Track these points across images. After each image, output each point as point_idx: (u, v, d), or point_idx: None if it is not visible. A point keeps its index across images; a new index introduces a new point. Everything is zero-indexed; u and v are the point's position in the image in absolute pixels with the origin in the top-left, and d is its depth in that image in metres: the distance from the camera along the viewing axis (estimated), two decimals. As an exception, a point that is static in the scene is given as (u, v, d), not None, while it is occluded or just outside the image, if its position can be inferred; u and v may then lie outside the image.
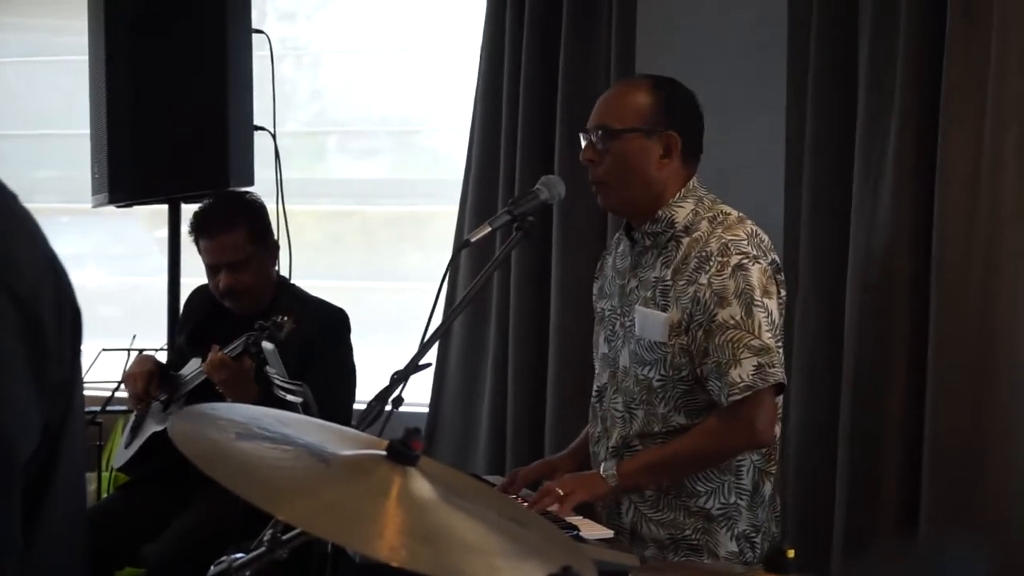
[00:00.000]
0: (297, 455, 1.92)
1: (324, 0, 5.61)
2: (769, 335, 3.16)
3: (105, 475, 4.78)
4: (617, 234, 3.53)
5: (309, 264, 4.58)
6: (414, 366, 2.86)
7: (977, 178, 3.79)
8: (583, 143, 3.37)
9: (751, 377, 3.14)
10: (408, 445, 1.90)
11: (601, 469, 3.31)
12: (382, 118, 5.62)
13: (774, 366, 3.16)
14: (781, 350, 3.21)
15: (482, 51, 4.79)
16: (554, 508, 3.17)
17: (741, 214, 3.33)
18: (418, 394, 4.63)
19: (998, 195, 3.76)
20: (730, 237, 3.23)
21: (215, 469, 1.80)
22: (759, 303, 3.17)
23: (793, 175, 4.23)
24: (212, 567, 2.08)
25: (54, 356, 1.76)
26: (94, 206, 4.59)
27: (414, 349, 2.93)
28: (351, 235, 5.79)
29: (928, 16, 3.92)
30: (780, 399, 3.30)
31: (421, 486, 1.87)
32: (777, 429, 3.30)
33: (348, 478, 1.88)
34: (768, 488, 3.30)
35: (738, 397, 3.15)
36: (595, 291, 3.60)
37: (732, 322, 3.16)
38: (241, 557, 2.06)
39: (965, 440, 3.78)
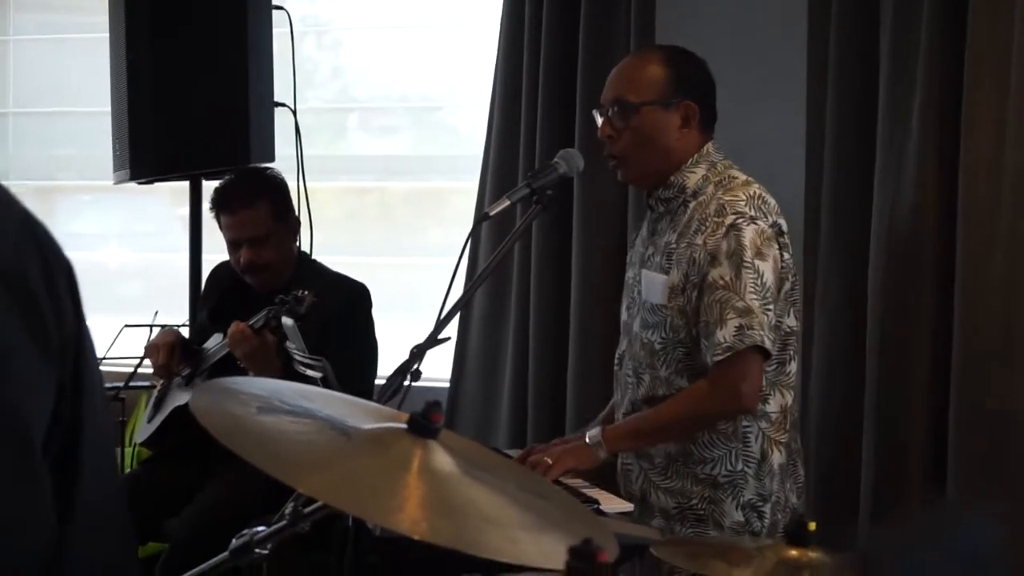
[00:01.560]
0: (318, 429, 1.92)
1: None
2: (755, 297, 3.13)
3: (128, 450, 4.79)
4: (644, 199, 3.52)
5: (329, 240, 4.58)
6: (433, 340, 2.86)
7: (1002, 148, 3.76)
8: (599, 119, 3.34)
9: (732, 338, 3.11)
10: (428, 418, 1.89)
11: (587, 437, 3.28)
12: (402, 95, 5.60)
13: (754, 328, 3.11)
14: (771, 313, 3.17)
15: (501, 27, 4.77)
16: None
17: (750, 178, 3.30)
18: (439, 369, 4.63)
19: (1022, 167, 3.74)
20: (728, 198, 3.21)
21: (236, 443, 1.80)
22: (748, 264, 3.14)
23: (815, 150, 4.21)
24: (234, 540, 2.08)
25: (51, 317, 1.75)
26: (115, 183, 4.58)
27: (434, 324, 2.93)
28: (371, 211, 5.77)
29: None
30: (799, 369, 3.30)
31: (442, 459, 1.87)
32: (789, 397, 3.28)
33: (369, 451, 1.88)
34: (777, 457, 3.26)
35: (720, 358, 3.13)
36: (628, 261, 3.58)
37: (721, 282, 3.14)
38: (263, 530, 2.06)
39: (991, 412, 3.76)
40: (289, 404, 1.99)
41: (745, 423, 3.22)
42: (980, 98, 3.82)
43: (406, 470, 1.82)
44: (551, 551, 1.79)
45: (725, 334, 3.12)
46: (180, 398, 4.26)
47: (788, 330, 3.25)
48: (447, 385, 4.87)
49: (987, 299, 3.79)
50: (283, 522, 2.04)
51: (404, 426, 1.90)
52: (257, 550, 2.07)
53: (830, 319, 4.14)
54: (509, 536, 1.81)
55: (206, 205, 4.39)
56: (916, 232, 3.96)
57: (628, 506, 3.24)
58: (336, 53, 5.65)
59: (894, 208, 3.99)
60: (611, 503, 3.19)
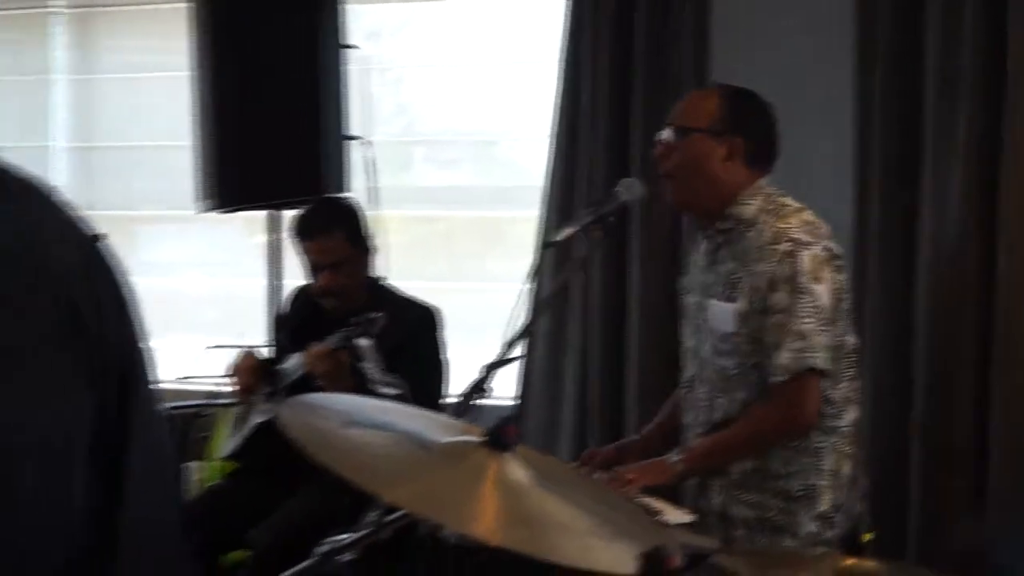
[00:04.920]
0: (399, 442, 1.94)
1: (407, 19, 5.63)
2: (811, 320, 3.15)
3: (212, 464, 4.82)
4: (699, 233, 3.53)
5: (396, 266, 4.60)
6: (504, 358, 2.88)
7: None
8: (658, 139, 3.38)
9: (790, 360, 3.14)
10: (505, 432, 1.91)
11: (669, 457, 3.33)
12: (463, 130, 5.64)
13: (810, 350, 3.14)
14: (826, 334, 3.17)
15: (561, 64, 4.80)
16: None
17: (801, 205, 3.31)
18: (504, 388, 4.65)
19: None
20: (782, 226, 3.22)
21: (323, 455, 1.82)
22: (804, 288, 3.15)
23: (863, 175, 4.21)
24: (319, 547, 2.10)
25: (96, 340, 1.76)
26: (197, 212, 4.63)
27: (496, 347, 2.95)
28: (435, 239, 5.81)
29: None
30: (858, 383, 3.30)
31: (516, 471, 1.89)
32: (857, 411, 3.29)
33: (447, 463, 1.90)
34: (847, 469, 3.27)
35: (779, 380, 3.16)
36: (681, 286, 3.60)
37: (779, 307, 3.16)
38: (347, 538, 2.08)
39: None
40: (371, 419, 2.02)
41: (818, 439, 3.23)
42: (1021, 122, 3.82)
43: (483, 481, 1.84)
44: (621, 558, 1.80)
45: (783, 357, 3.14)
46: (262, 416, 4.30)
47: (851, 348, 3.27)
48: (512, 403, 4.89)
49: None
50: (367, 530, 2.07)
51: (480, 440, 1.92)
52: (341, 557, 2.09)
53: (879, 335, 4.13)
54: (582, 543, 1.82)
55: (283, 233, 4.45)
56: (960, 251, 3.96)
57: (689, 517, 3.25)
58: (398, 89, 5.68)
59: (939, 228, 3.99)
60: (672, 515, 3.21)
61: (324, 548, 2.09)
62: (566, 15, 4.80)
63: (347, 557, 2.08)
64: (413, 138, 5.74)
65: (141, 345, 1.81)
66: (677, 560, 1.65)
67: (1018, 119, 3.84)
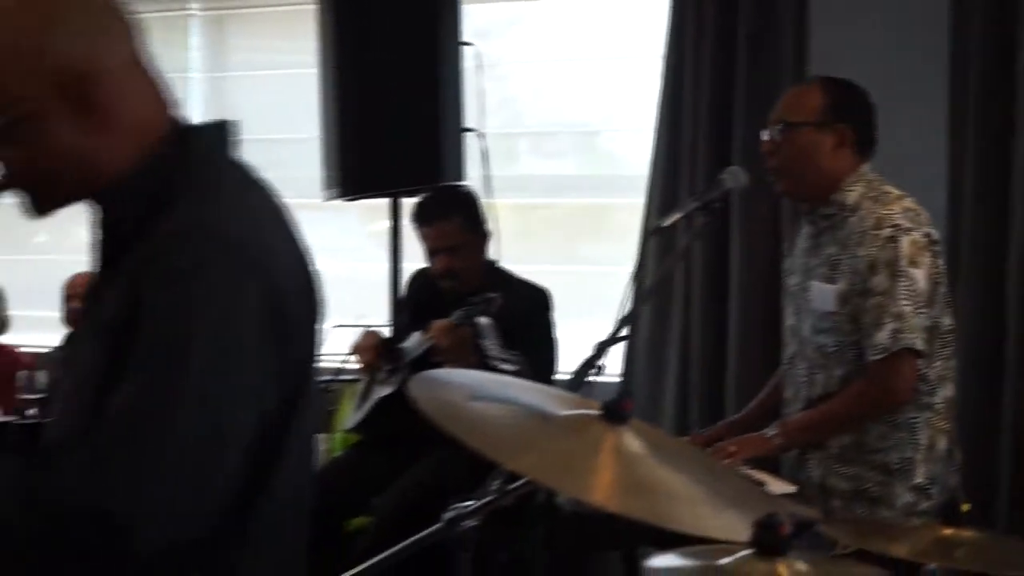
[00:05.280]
0: (521, 414, 1.95)
1: (515, 17, 5.65)
2: (908, 302, 3.14)
3: (336, 436, 4.89)
4: (802, 218, 3.51)
5: (505, 251, 4.62)
6: (615, 336, 2.89)
7: None
8: (764, 136, 3.36)
9: (887, 340, 3.13)
10: (621, 406, 1.91)
11: (768, 430, 3.34)
12: (566, 122, 5.64)
13: (907, 331, 3.13)
14: (923, 315, 3.16)
15: (665, 58, 4.79)
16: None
17: (903, 192, 3.29)
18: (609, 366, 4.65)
19: None
20: (885, 212, 3.21)
21: (451, 425, 1.83)
22: (903, 272, 3.15)
23: (956, 166, 4.16)
24: (445, 512, 2.12)
25: (294, 342, 1.81)
26: (324, 200, 4.69)
27: (600, 327, 2.96)
28: (540, 225, 5.82)
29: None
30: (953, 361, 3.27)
31: (632, 442, 1.89)
32: (951, 389, 3.26)
33: (567, 434, 1.90)
34: (943, 443, 3.25)
35: (877, 358, 3.15)
36: (784, 268, 3.58)
37: (879, 289, 3.15)
38: (471, 504, 2.10)
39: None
40: (494, 393, 2.03)
41: (913, 414, 3.21)
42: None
43: (600, 451, 1.84)
44: (731, 525, 1.81)
45: (881, 336, 3.13)
46: (384, 390, 4.34)
47: (947, 328, 3.24)
48: (617, 380, 4.88)
49: None
50: (489, 497, 2.09)
51: (598, 412, 1.93)
52: (465, 522, 2.11)
53: (972, 319, 4.08)
54: (694, 511, 1.82)
55: (404, 220, 4.49)
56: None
57: (790, 488, 3.25)
58: (504, 84, 5.69)
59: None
60: (775, 485, 3.21)
61: (449, 514, 2.11)
62: (670, 11, 4.78)
63: (471, 523, 2.10)
64: (518, 130, 5.75)
65: (318, 346, 1.87)
66: (788, 528, 1.65)
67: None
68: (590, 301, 5.07)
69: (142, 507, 1.64)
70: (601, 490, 1.79)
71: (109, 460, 1.64)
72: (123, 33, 1.81)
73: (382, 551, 2.20)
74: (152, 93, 1.85)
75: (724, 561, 1.74)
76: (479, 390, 2.03)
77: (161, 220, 1.74)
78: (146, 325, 1.66)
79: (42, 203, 1.83)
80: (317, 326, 1.89)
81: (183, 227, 1.72)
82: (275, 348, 1.76)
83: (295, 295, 1.82)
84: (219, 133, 1.91)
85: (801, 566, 1.68)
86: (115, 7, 1.82)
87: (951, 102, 4.22)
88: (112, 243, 1.84)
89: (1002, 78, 4.08)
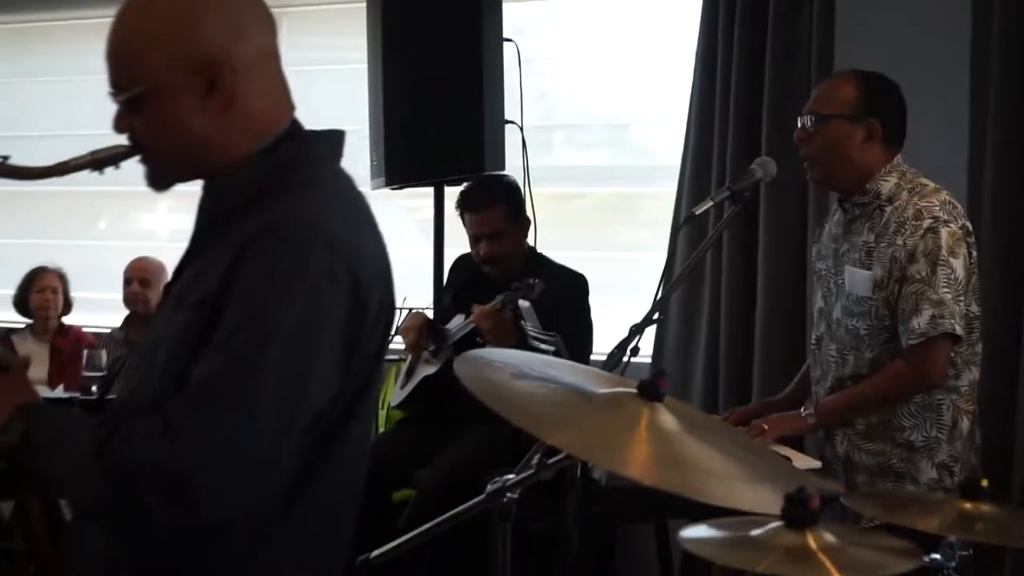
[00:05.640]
0: (562, 392, 1.94)
1: (551, 16, 5.63)
2: (947, 290, 3.11)
3: (382, 413, 4.89)
4: (834, 205, 3.48)
5: (543, 238, 4.62)
6: (649, 319, 2.88)
7: None
8: (799, 125, 3.33)
9: (926, 325, 3.10)
10: (656, 384, 1.91)
11: (803, 409, 3.32)
12: (598, 115, 5.62)
13: (946, 317, 3.10)
14: (961, 303, 3.13)
15: (697, 54, 4.77)
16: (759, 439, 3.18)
17: (939, 186, 3.26)
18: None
19: None
20: (924, 204, 3.18)
21: (495, 403, 1.83)
22: (943, 261, 3.12)
23: (976, 159, 4.12)
24: (489, 485, 2.11)
25: (364, 346, 1.83)
26: (372, 189, 4.69)
27: (634, 310, 2.95)
28: (575, 214, 5.81)
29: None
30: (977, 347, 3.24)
31: (666, 419, 1.88)
32: (976, 373, 3.24)
33: (605, 411, 1.90)
34: (966, 424, 3.22)
35: (915, 342, 3.12)
36: (814, 253, 3.56)
37: (918, 277, 3.12)
38: (513, 477, 2.09)
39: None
40: (536, 371, 2.02)
41: (939, 396, 3.19)
42: None
43: (636, 427, 1.84)
44: (763, 499, 1.80)
45: (920, 322, 3.11)
46: (428, 369, 4.35)
47: (974, 315, 3.22)
48: (648, 361, 4.87)
49: None
50: (531, 470, 2.08)
51: (634, 391, 1.92)
52: (508, 495, 2.11)
53: (993, 308, 4.04)
54: (727, 486, 1.81)
55: (448, 208, 4.48)
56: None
57: (816, 463, 3.24)
58: (542, 81, 5.68)
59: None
60: (800, 461, 3.20)
61: (492, 486, 2.11)
62: (702, 9, 4.76)
63: (513, 495, 2.10)
64: (553, 123, 5.73)
65: (385, 352, 1.91)
66: (817, 502, 1.63)
67: None
68: (624, 286, 5.06)
69: (217, 480, 1.66)
70: (637, 464, 1.78)
71: (193, 431, 1.66)
72: (260, 30, 1.88)
73: (425, 522, 2.21)
74: (278, 91, 1.92)
75: (755, 532, 1.72)
76: (521, 369, 2.02)
77: (265, 209, 1.79)
78: (239, 304, 1.71)
79: (160, 176, 1.90)
80: (391, 320, 1.92)
81: (285, 217, 1.77)
82: (352, 345, 1.80)
83: (378, 292, 1.86)
84: (330, 141, 1.97)
85: (830, 537, 1.67)
86: (257, 4, 1.89)
87: (972, 100, 4.18)
88: (213, 224, 1.88)
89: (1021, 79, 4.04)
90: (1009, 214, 4.07)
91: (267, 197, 1.81)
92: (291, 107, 1.95)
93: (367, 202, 1.97)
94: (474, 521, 2.17)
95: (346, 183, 1.96)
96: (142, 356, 1.88)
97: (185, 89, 1.81)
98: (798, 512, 1.63)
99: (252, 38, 1.86)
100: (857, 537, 1.83)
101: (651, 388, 1.90)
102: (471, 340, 4.05)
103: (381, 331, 1.89)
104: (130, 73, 1.82)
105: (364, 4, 4.68)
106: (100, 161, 1.88)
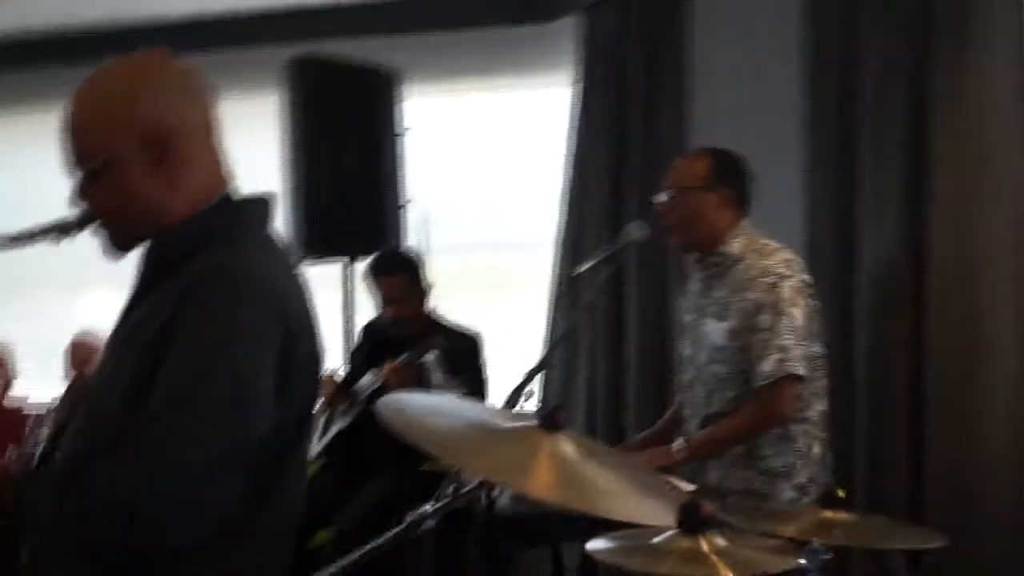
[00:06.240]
0: (470, 426, 1.92)
1: (444, 111, 5.63)
2: (790, 337, 3.14)
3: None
4: (694, 265, 3.51)
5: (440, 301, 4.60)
6: (538, 367, 2.88)
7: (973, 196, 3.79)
8: (660, 199, 3.36)
9: (772, 368, 3.13)
10: (555, 416, 1.89)
11: (674, 444, 3.33)
12: (482, 196, 5.57)
13: (790, 360, 3.13)
14: (802, 348, 3.17)
15: (570, 144, 4.80)
16: None
17: (779, 244, 3.32)
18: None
19: (989, 203, 3.79)
20: (767, 263, 3.23)
21: (413, 437, 1.80)
22: (785, 312, 3.16)
23: (812, 215, 4.22)
24: (407, 516, 2.06)
25: (301, 377, 1.80)
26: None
27: (520, 363, 2.95)
28: (467, 280, 5.77)
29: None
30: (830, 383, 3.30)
31: (566, 446, 1.86)
32: (823, 404, 3.28)
33: (511, 441, 1.87)
34: (818, 449, 3.26)
35: (763, 383, 3.15)
36: (680, 306, 3.58)
37: (764, 327, 3.16)
38: (431, 508, 2.04)
39: (955, 411, 3.83)
40: (446, 411, 2.00)
41: (793, 427, 3.22)
42: (945, 171, 3.82)
43: (539, 454, 1.81)
44: (653, 512, 1.79)
45: (767, 365, 3.14)
46: (342, 423, 4.29)
47: (817, 355, 3.27)
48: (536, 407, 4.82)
49: (953, 332, 3.83)
50: (447, 499, 2.03)
51: (535, 423, 1.90)
52: (425, 524, 2.05)
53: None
54: (621, 501, 1.79)
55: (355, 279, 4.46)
56: (891, 274, 3.96)
57: (691, 487, 3.24)
58: (430, 165, 5.65)
59: (873, 255, 4.01)
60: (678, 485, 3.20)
61: (415, 515, 2.06)
62: (571, 108, 4.81)
63: (429, 524, 2.05)
64: (445, 202, 5.69)
65: (316, 394, 1.86)
66: (711, 509, 1.62)
67: (941, 171, 3.85)
68: (509, 344, 5.03)
69: (164, 505, 1.60)
70: (543, 485, 1.75)
71: (138, 461, 1.61)
72: (201, 106, 1.87)
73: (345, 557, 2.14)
74: (217, 161, 1.90)
75: (655, 540, 1.70)
76: (435, 409, 1.99)
77: (202, 259, 1.77)
78: (179, 346, 1.67)
79: (119, 240, 1.87)
80: (319, 368, 1.89)
81: (219, 266, 1.75)
82: (286, 375, 1.77)
83: (306, 339, 1.84)
84: (260, 205, 1.95)
85: (720, 541, 1.66)
86: (197, 82, 1.88)
87: (806, 168, 4.28)
88: (158, 274, 1.84)
89: (847, 145, 4.15)
90: (837, 264, 4.16)
91: (202, 249, 1.79)
92: (230, 175, 1.93)
93: (292, 260, 1.94)
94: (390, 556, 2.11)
95: (274, 241, 1.94)
96: (94, 396, 1.82)
97: (138, 158, 1.79)
98: (692, 520, 1.61)
99: (193, 114, 1.85)
100: (743, 540, 1.83)
101: (551, 420, 1.88)
102: (381, 395, 3.99)
103: (311, 376, 1.85)
104: (89, 148, 1.80)
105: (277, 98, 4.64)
106: (65, 227, 1.85)
